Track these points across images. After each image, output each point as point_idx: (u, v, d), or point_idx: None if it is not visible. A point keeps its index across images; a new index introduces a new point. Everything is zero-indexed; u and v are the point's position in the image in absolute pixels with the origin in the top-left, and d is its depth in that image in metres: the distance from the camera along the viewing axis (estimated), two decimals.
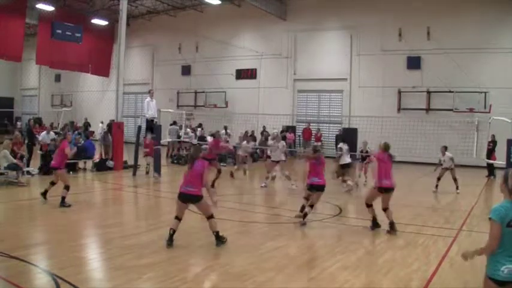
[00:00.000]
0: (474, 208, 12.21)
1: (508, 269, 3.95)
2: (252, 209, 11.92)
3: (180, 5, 32.24)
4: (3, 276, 6.08)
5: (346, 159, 15.40)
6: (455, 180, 15.12)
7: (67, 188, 11.40)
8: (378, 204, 9.54)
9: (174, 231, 7.94)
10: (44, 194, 11.71)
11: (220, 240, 8.01)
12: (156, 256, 7.30)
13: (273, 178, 16.41)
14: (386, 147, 9.84)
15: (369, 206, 9.70)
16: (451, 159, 15.27)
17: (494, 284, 4.03)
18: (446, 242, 8.58)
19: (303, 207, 10.31)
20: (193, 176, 7.84)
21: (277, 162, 15.76)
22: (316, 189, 10.02)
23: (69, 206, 11.26)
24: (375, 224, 9.64)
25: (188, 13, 32.70)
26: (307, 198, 10.25)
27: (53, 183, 11.74)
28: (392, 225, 9.30)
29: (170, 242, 7.89)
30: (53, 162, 11.91)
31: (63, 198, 11.30)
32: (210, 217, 7.98)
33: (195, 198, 7.84)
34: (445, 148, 15.69)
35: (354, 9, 26.81)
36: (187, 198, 7.87)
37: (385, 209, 9.39)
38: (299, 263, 7.26)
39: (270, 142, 16.20)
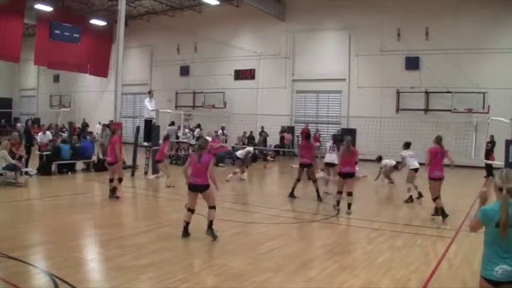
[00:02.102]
0: (473, 209, 12.19)
1: (502, 269, 3.93)
2: (251, 209, 11.92)
3: (178, 5, 32.27)
4: (1, 276, 6.07)
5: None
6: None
7: (120, 180, 12.45)
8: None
9: (187, 223, 8.56)
10: (113, 192, 12.47)
11: (211, 229, 8.48)
12: (155, 256, 7.30)
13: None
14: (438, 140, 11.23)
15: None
16: None
17: (488, 285, 4.02)
18: (445, 243, 8.59)
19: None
20: (200, 168, 8.37)
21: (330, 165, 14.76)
22: (350, 176, 11.61)
23: (118, 198, 12.25)
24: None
25: (187, 14, 32.75)
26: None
27: (111, 180, 12.50)
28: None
29: (185, 233, 8.52)
30: (108, 158, 12.90)
31: (115, 189, 12.32)
32: (211, 207, 8.56)
33: (203, 187, 8.41)
34: None
35: (353, 9, 26.83)
36: (195, 187, 8.42)
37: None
38: (298, 263, 7.26)
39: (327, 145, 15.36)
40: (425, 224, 10.39)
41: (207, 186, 8.44)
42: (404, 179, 13.83)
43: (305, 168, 13.34)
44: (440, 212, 10.81)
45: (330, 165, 14.73)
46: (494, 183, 4.08)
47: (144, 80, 35.60)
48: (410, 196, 13.56)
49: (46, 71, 39.78)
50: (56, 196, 13.18)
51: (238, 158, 17.77)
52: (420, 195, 13.73)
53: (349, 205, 11.41)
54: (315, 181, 13.25)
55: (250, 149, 18.74)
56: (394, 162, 16.53)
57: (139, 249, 7.67)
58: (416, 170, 14.01)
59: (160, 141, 17.13)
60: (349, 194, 11.50)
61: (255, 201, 13.13)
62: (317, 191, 13.14)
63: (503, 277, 3.94)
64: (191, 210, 8.58)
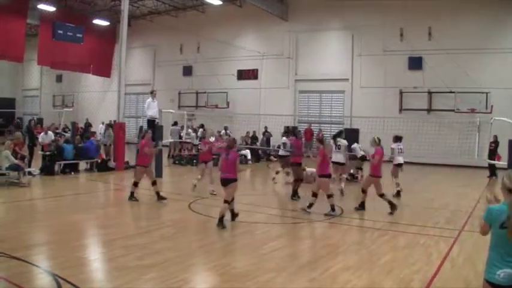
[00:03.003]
0: (476, 209, 12.18)
1: (504, 273, 3.87)
2: (254, 209, 11.90)
3: (181, 5, 32.27)
4: (4, 276, 6.08)
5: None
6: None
7: (135, 184, 12.37)
8: None
9: (232, 210, 9.91)
10: (132, 196, 12.37)
11: (221, 223, 9.33)
12: (158, 256, 7.30)
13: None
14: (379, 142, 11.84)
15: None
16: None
17: None
18: (448, 243, 8.57)
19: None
20: (229, 164, 9.61)
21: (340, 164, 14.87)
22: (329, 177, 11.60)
23: (137, 200, 12.28)
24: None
25: (190, 14, 32.74)
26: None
27: (153, 183, 12.52)
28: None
29: (233, 217, 9.93)
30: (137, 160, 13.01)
31: (132, 193, 12.31)
32: (226, 202, 9.56)
33: (231, 181, 9.60)
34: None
35: (355, 9, 26.79)
36: (226, 181, 9.63)
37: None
38: (301, 263, 7.26)
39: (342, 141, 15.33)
40: (427, 224, 10.37)
41: (234, 180, 9.61)
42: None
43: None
44: (361, 204, 11.80)
45: (338, 164, 14.79)
46: (503, 184, 4.02)
47: (147, 80, 35.62)
48: (398, 191, 14.01)
49: (49, 71, 39.86)
50: (58, 196, 13.20)
51: (282, 156, 16.23)
52: (398, 194, 14.02)
53: (333, 206, 11.18)
54: (296, 180, 13.40)
55: (285, 139, 17.13)
56: (362, 153, 16.42)
57: (142, 249, 7.67)
58: (399, 165, 14.46)
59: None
60: (330, 196, 11.29)
61: (258, 201, 13.11)
62: (295, 190, 13.26)
63: (505, 281, 3.88)
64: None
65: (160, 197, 12.33)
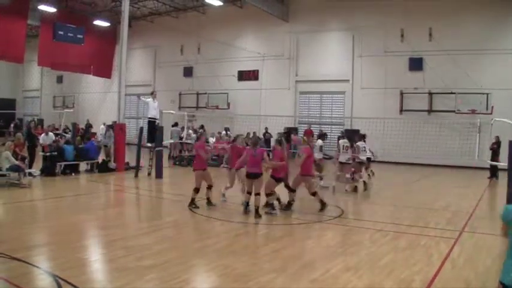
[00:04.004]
0: (476, 209, 12.18)
1: None
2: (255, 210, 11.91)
3: (182, 6, 32.31)
4: (5, 277, 6.07)
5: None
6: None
7: (196, 190, 11.41)
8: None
9: (247, 203, 10.69)
10: (192, 202, 11.39)
11: (258, 214, 10.33)
12: (159, 257, 7.30)
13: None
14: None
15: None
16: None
17: None
18: (449, 244, 8.56)
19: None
20: (256, 160, 10.54)
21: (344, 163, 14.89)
22: None
23: (215, 205, 11.58)
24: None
25: (190, 14, 32.78)
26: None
27: (209, 187, 11.69)
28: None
29: (246, 211, 10.66)
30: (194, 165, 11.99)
31: (192, 199, 11.37)
32: (258, 194, 10.47)
33: (257, 175, 10.51)
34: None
35: (356, 10, 26.83)
36: (252, 175, 10.53)
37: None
38: (301, 264, 7.25)
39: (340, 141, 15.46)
40: (428, 224, 10.35)
41: (260, 174, 10.53)
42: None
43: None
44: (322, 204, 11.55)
45: (344, 164, 14.95)
46: None
47: (147, 80, 35.66)
48: (364, 183, 14.75)
49: (49, 72, 39.90)
50: (59, 197, 13.20)
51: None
52: (355, 190, 14.65)
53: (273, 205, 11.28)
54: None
55: (321, 142, 16.12)
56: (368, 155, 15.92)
57: (143, 250, 7.66)
58: (362, 163, 14.99)
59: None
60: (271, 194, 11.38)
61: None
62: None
63: None
64: (249, 193, 10.61)
65: (209, 203, 11.60)
